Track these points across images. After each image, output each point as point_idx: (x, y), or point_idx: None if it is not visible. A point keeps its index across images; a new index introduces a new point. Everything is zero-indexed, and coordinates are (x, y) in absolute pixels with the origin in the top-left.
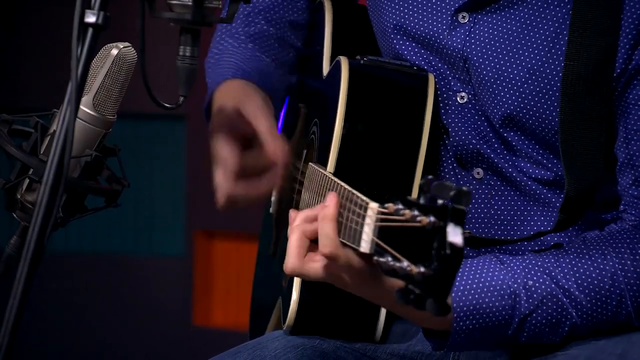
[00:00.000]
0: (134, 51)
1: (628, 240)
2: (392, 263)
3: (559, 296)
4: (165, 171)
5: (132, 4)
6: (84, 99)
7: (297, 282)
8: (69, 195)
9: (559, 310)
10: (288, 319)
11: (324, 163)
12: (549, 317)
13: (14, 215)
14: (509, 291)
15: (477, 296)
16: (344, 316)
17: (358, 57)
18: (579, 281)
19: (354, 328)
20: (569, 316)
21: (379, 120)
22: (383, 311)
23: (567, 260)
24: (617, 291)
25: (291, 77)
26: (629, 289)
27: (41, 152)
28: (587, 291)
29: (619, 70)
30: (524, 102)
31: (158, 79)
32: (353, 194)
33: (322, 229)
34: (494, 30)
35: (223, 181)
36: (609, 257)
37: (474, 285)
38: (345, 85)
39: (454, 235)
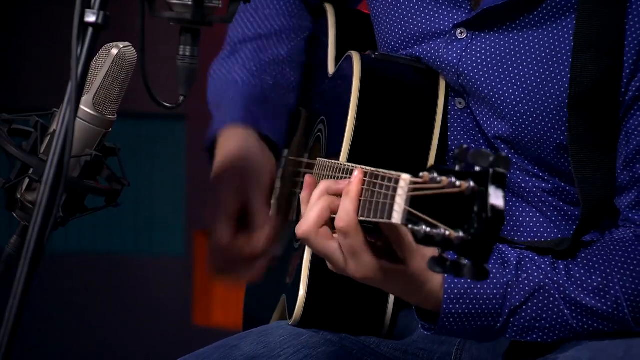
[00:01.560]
0: (134, 51)
1: (624, 248)
2: (428, 230)
3: (552, 292)
4: (165, 171)
5: (132, 3)
6: (84, 99)
7: (304, 278)
8: (69, 194)
9: (551, 306)
10: (295, 313)
11: (334, 156)
12: (540, 312)
13: (14, 215)
14: (502, 281)
15: (469, 281)
16: (351, 311)
17: (369, 52)
18: (573, 279)
19: (361, 323)
20: (560, 314)
21: (391, 112)
22: (390, 306)
23: (562, 261)
24: (612, 292)
25: (294, 100)
26: (624, 293)
27: (41, 152)
28: (580, 289)
29: (622, 90)
30: (518, 121)
31: (158, 78)
32: (379, 172)
33: (343, 203)
34: (490, 48)
35: (216, 258)
36: (603, 260)
37: None
38: (357, 78)
39: (496, 198)
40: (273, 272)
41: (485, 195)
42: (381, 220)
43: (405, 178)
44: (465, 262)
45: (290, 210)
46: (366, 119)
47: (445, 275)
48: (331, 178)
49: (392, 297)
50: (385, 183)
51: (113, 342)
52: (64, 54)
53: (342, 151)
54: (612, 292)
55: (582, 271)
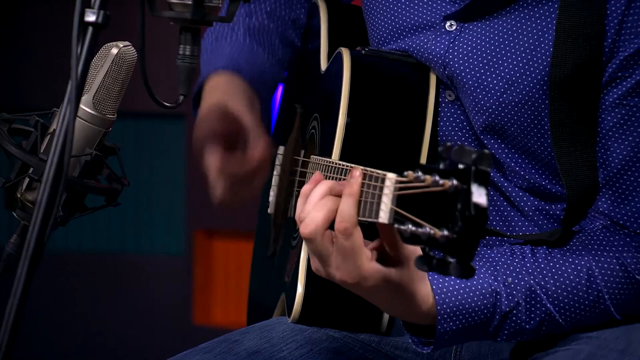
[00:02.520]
0: (134, 50)
1: (601, 238)
2: (413, 229)
3: (538, 292)
4: (165, 170)
5: (132, 3)
6: (84, 98)
7: (302, 275)
8: (69, 194)
9: (539, 306)
10: (294, 311)
11: (327, 153)
12: (529, 314)
13: (14, 214)
14: (490, 289)
15: (459, 297)
16: (349, 308)
17: (359, 47)
18: (555, 277)
19: (360, 320)
20: (549, 312)
21: (382, 108)
22: None
23: (544, 258)
24: (594, 286)
25: (283, 72)
26: (605, 285)
27: (41, 151)
28: (563, 286)
29: (603, 74)
30: (504, 111)
31: (158, 77)
32: (367, 170)
33: (346, 204)
34: (476, 39)
35: (215, 188)
36: (584, 254)
37: (456, 287)
38: (347, 75)
39: (479, 195)
40: (273, 272)
41: (468, 193)
42: (369, 220)
43: (390, 177)
44: (451, 260)
45: (287, 209)
46: (357, 116)
47: (434, 293)
48: (325, 177)
49: None
50: (373, 182)
51: (113, 342)
52: (64, 53)
53: (334, 149)
54: (593, 286)
55: (564, 267)
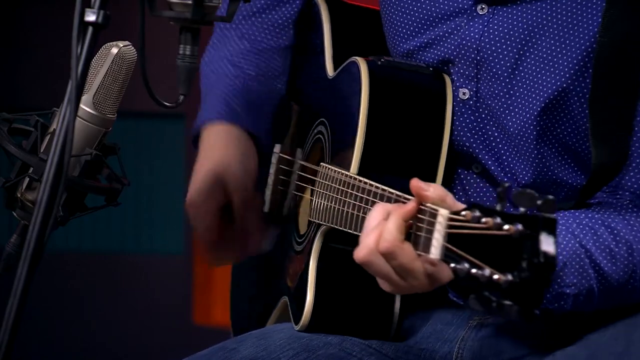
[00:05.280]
0: (134, 50)
1: (632, 209)
2: (473, 271)
3: (582, 256)
4: (165, 169)
5: (132, 2)
6: (84, 98)
7: (311, 283)
8: (69, 193)
9: (581, 271)
10: (302, 320)
11: (342, 165)
12: (572, 278)
13: (14, 214)
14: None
15: None
16: (358, 316)
17: (372, 57)
18: (597, 244)
19: (369, 327)
20: (588, 278)
21: (400, 121)
22: (397, 310)
23: (587, 222)
24: (631, 258)
25: (282, 86)
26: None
27: (41, 151)
28: (604, 254)
29: None
30: (541, 98)
31: (158, 77)
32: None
33: (386, 224)
34: (512, 21)
35: (204, 250)
36: (620, 225)
37: None
38: (366, 87)
39: (547, 244)
40: (267, 269)
41: (536, 240)
42: (422, 254)
43: (443, 214)
44: (512, 304)
45: (282, 208)
46: (376, 129)
47: None
48: (340, 192)
49: (398, 300)
50: (425, 217)
51: (113, 341)
52: (64, 53)
53: (353, 162)
54: (631, 258)
55: (610, 238)
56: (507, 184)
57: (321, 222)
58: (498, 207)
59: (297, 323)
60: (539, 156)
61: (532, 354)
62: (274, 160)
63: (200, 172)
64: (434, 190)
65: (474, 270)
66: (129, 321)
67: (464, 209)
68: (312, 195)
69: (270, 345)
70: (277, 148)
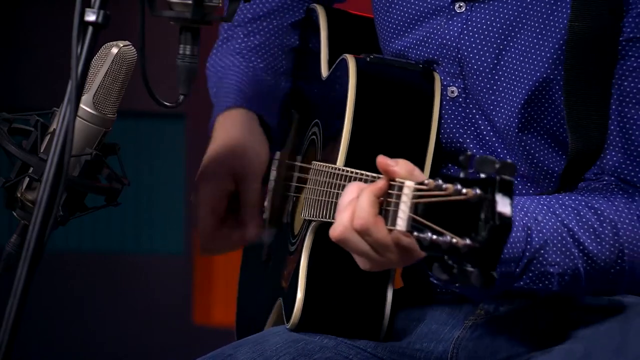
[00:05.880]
0: (134, 50)
1: (612, 189)
2: (434, 238)
3: (564, 235)
4: (165, 169)
5: (132, 2)
6: (84, 98)
7: (301, 281)
8: (69, 193)
9: (564, 249)
10: (293, 317)
11: (330, 160)
12: (554, 257)
13: (14, 214)
14: (522, 223)
15: None
16: (348, 314)
17: (363, 55)
18: (580, 223)
19: (359, 326)
20: (572, 257)
21: (387, 116)
22: (388, 310)
23: (569, 203)
24: (617, 238)
25: (287, 84)
26: (626, 240)
27: (41, 151)
28: (587, 234)
29: (624, 35)
30: (523, 90)
31: (158, 77)
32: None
33: (359, 201)
34: (489, 17)
35: (204, 230)
36: (604, 206)
37: None
38: (353, 82)
39: (503, 205)
40: (267, 275)
41: (492, 202)
42: (390, 227)
43: (409, 185)
44: (472, 269)
45: (283, 213)
46: (362, 123)
47: None
48: (328, 184)
49: (389, 300)
50: (391, 191)
51: (113, 341)
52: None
53: (339, 155)
54: (616, 237)
55: (594, 218)
56: (469, 153)
57: (312, 218)
58: (462, 175)
59: (288, 321)
60: (527, 147)
61: (527, 353)
62: (273, 167)
63: (213, 146)
64: (401, 165)
65: (434, 237)
66: (129, 321)
67: (428, 179)
68: (303, 192)
69: (266, 351)
70: (277, 155)
